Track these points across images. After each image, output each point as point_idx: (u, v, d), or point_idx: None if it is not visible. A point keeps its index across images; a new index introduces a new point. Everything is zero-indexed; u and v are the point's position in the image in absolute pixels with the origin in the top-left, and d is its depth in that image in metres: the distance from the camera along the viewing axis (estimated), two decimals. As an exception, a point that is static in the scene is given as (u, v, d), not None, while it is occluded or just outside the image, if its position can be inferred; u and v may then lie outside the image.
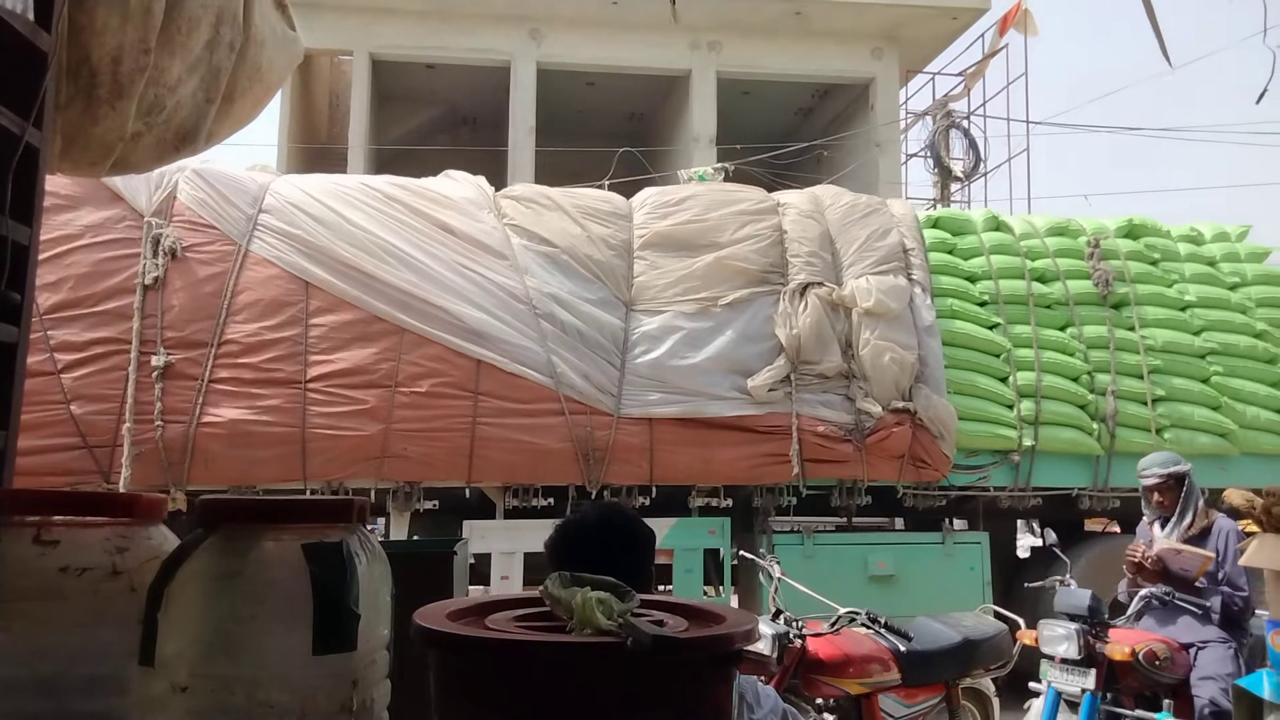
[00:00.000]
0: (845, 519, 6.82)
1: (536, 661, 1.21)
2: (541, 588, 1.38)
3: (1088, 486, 6.58)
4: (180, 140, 2.41)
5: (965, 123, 12.81)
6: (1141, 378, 6.70)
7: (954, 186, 12.94)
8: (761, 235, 6.47)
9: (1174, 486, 4.48)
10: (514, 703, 1.21)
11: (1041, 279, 6.95)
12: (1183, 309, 7.03)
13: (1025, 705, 4.69)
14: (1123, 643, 4.13)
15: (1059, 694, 4.28)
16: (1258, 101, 3.65)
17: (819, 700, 3.73)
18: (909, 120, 14.70)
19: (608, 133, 16.00)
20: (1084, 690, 4.15)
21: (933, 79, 15.40)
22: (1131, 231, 7.38)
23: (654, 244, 6.38)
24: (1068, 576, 4.73)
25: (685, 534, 6.06)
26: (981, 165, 12.99)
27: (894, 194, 14.73)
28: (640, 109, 16.45)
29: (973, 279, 6.88)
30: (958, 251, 7.02)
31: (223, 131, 2.58)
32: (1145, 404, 6.65)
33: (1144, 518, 4.71)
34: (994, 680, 4.37)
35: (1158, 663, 4.11)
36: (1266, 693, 3.40)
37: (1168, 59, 3.08)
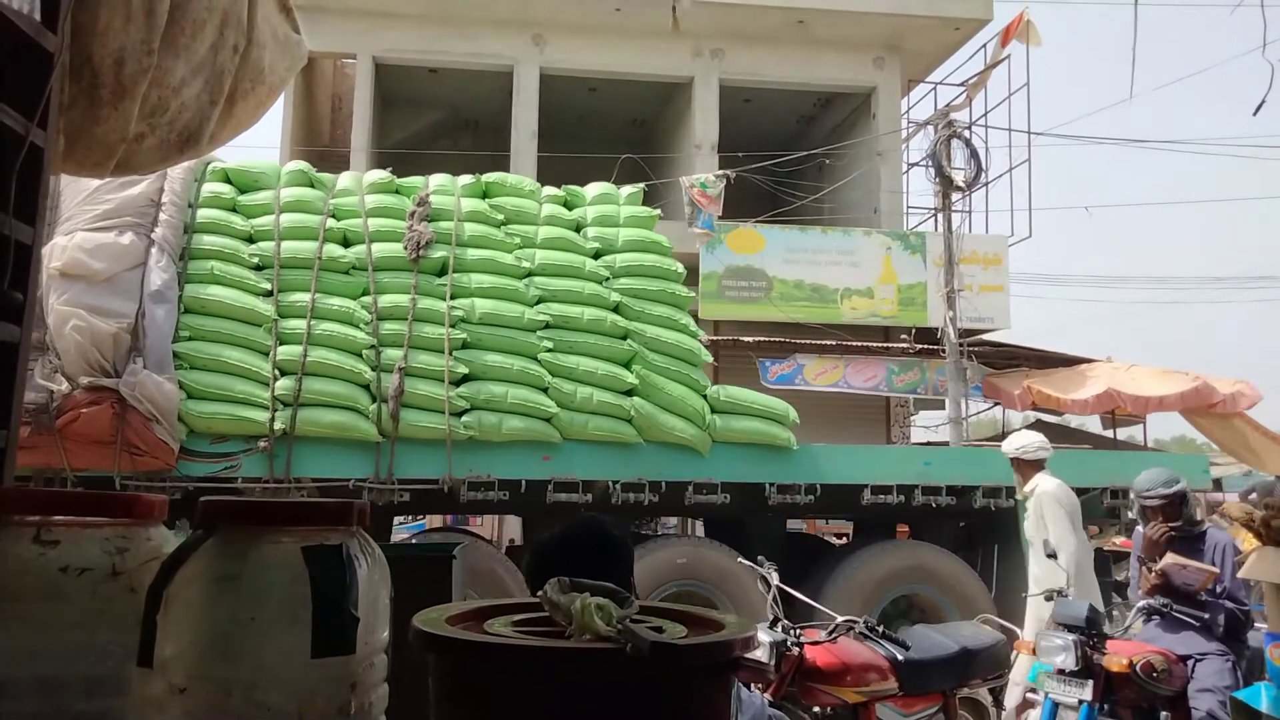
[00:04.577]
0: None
1: (535, 667, 1.21)
2: (540, 593, 1.38)
3: (368, 477, 5.66)
4: (184, 142, 2.41)
5: (967, 133, 12.79)
6: (447, 353, 5.79)
7: (955, 196, 12.92)
8: None
9: (1175, 505, 4.48)
10: (512, 708, 1.20)
11: (346, 241, 6.07)
12: (521, 277, 6.16)
13: (1022, 716, 4.68)
14: (1120, 654, 4.13)
15: (1056, 705, 4.28)
16: (1255, 113, 3.66)
17: (816, 708, 3.73)
18: (911, 129, 14.72)
19: (610, 139, 16.03)
20: (1081, 701, 4.14)
21: (935, 89, 15.43)
22: (487, 190, 6.53)
23: None
24: (1066, 587, 4.73)
25: None
26: (983, 175, 12.97)
27: (895, 203, 14.77)
28: (642, 115, 16.49)
29: (251, 239, 5.94)
30: (242, 208, 6.04)
31: (226, 133, 2.58)
32: (445, 382, 5.74)
33: (1138, 528, 4.71)
34: (991, 691, 4.37)
35: (1155, 675, 4.10)
36: (1264, 706, 3.40)
37: (1131, 90, 3.11)
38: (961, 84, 14.44)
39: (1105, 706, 4.19)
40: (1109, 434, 14.83)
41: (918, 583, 6.45)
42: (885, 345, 13.44)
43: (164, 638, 1.22)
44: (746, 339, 12.88)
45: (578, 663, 1.21)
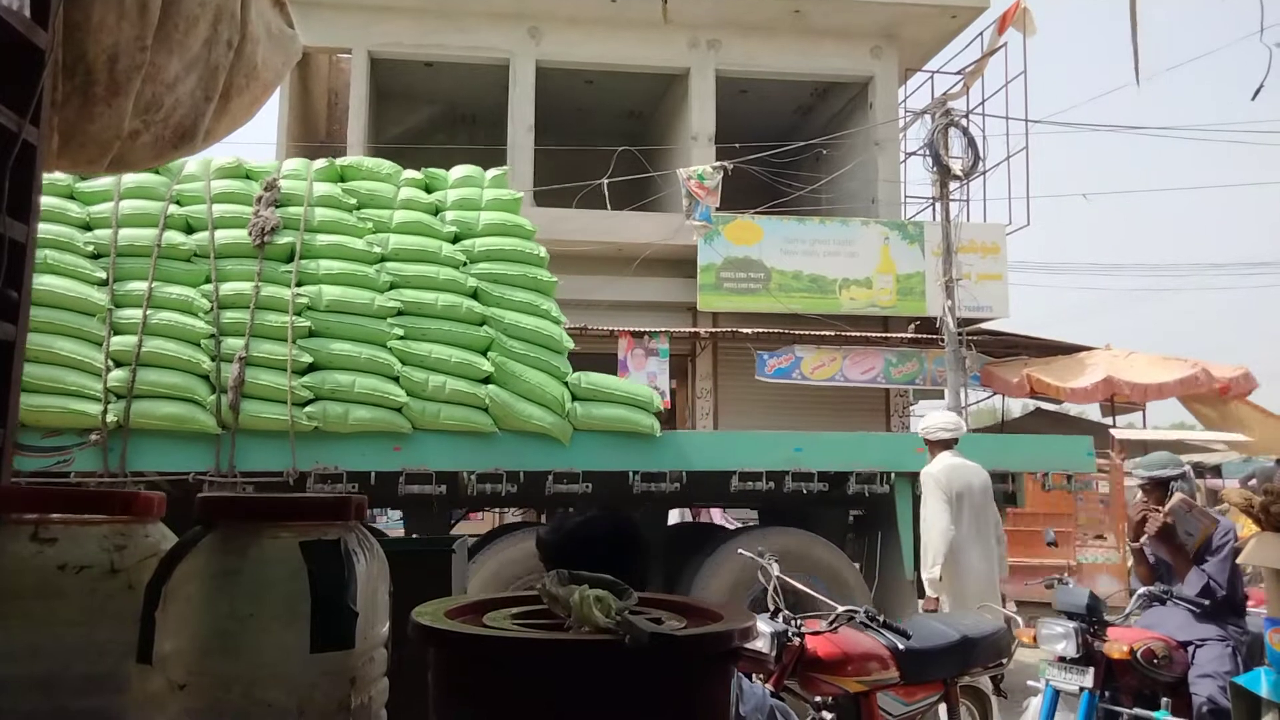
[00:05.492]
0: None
1: (534, 659, 1.21)
2: (539, 585, 1.38)
3: (208, 470, 5.47)
4: (178, 138, 2.41)
5: (964, 121, 12.78)
6: (291, 342, 5.58)
7: (953, 185, 12.92)
8: None
9: (1163, 487, 4.49)
10: (512, 700, 1.21)
11: (189, 228, 5.84)
12: (373, 262, 5.93)
13: (1023, 703, 4.69)
14: (1121, 641, 4.14)
15: (1057, 692, 4.29)
16: (1253, 98, 3.65)
17: (818, 698, 3.73)
18: (908, 119, 14.71)
19: (607, 131, 16.01)
20: (1082, 688, 4.16)
21: (932, 78, 15.41)
22: (343, 174, 6.29)
23: None
24: (1065, 575, 4.74)
25: None
26: (980, 164, 12.96)
27: (893, 192, 14.75)
28: (639, 107, 16.46)
29: (88, 226, 5.74)
30: (79, 195, 5.83)
31: (220, 130, 2.57)
32: (288, 372, 5.54)
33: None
34: (992, 678, 4.37)
35: (1156, 661, 4.12)
36: (1264, 691, 3.41)
37: (1137, 76, 3.07)
38: (959, 72, 14.42)
39: (1106, 693, 4.20)
40: (1108, 421, 14.85)
41: (789, 571, 6.30)
42: (884, 335, 13.44)
43: (163, 634, 1.22)
44: (745, 331, 12.89)
45: (576, 655, 1.21)
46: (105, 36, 2.01)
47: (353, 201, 6.12)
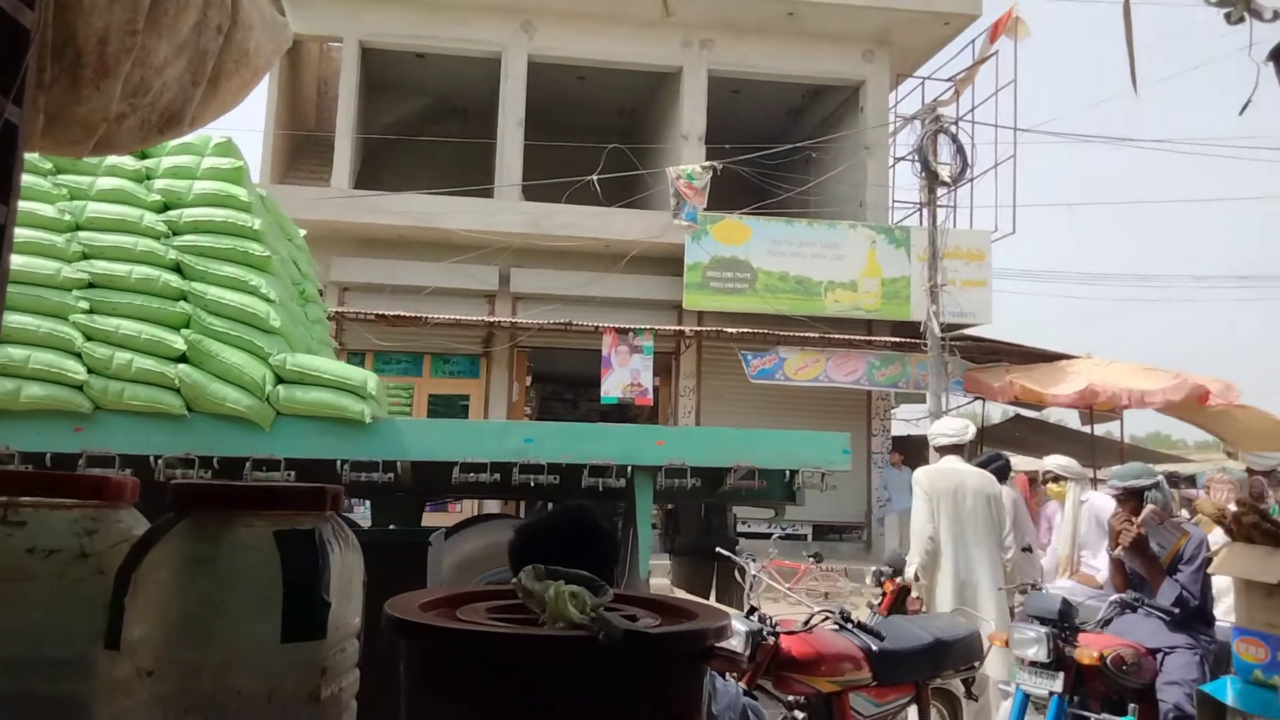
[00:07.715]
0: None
1: (507, 653, 1.22)
2: (515, 580, 1.38)
3: None
4: (165, 122, 2.39)
5: (953, 128, 12.83)
6: None
7: (940, 191, 12.97)
8: None
9: (1136, 497, 4.53)
10: (484, 694, 1.21)
11: None
12: (64, 231, 5.53)
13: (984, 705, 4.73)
14: (1091, 647, 4.18)
15: (1027, 696, 4.33)
16: (1240, 113, 3.68)
17: (790, 698, 3.75)
18: (898, 124, 14.75)
19: (597, 127, 15.99)
20: (1051, 693, 4.19)
21: (923, 83, 15.46)
22: None
23: None
24: (1040, 580, 4.78)
25: None
26: (969, 170, 13.02)
27: (881, 196, 14.80)
28: (631, 104, 16.45)
29: None
30: None
31: (208, 115, 2.55)
32: None
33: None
34: (964, 681, 4.41)
35: (1125, 667, 4.16)
36: (1230, 699, 3.45)
37: (1135, 86, 3.07)
38: (950, 79, 14.48)
39: (1075, 698, 4.24)
40: (1086, 430, 14.97)
41: (497, 566, 5.67)
42: (868, 338, 13.50)
43: (132, 620, 1.21)
44: (729, 330, 12.91)
45: (550, 650, 1.22)
46: (96, 19, 1.99)
47: (48, 166, 5.67)
